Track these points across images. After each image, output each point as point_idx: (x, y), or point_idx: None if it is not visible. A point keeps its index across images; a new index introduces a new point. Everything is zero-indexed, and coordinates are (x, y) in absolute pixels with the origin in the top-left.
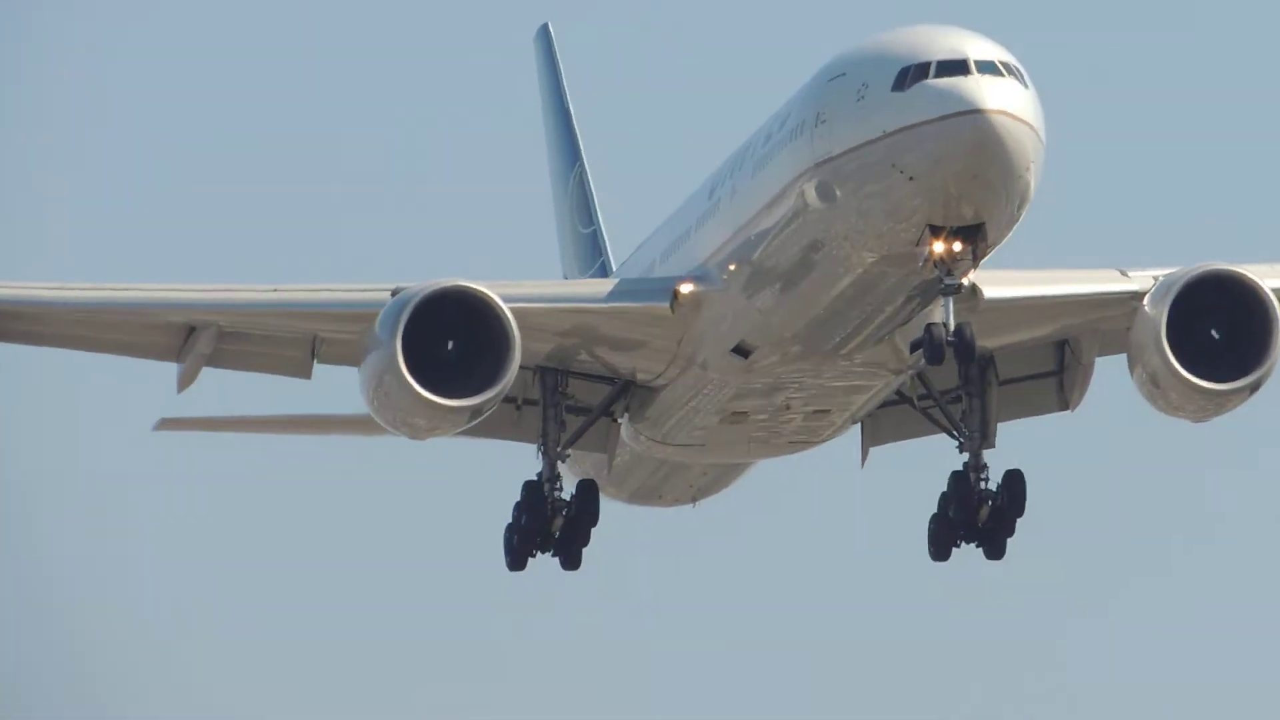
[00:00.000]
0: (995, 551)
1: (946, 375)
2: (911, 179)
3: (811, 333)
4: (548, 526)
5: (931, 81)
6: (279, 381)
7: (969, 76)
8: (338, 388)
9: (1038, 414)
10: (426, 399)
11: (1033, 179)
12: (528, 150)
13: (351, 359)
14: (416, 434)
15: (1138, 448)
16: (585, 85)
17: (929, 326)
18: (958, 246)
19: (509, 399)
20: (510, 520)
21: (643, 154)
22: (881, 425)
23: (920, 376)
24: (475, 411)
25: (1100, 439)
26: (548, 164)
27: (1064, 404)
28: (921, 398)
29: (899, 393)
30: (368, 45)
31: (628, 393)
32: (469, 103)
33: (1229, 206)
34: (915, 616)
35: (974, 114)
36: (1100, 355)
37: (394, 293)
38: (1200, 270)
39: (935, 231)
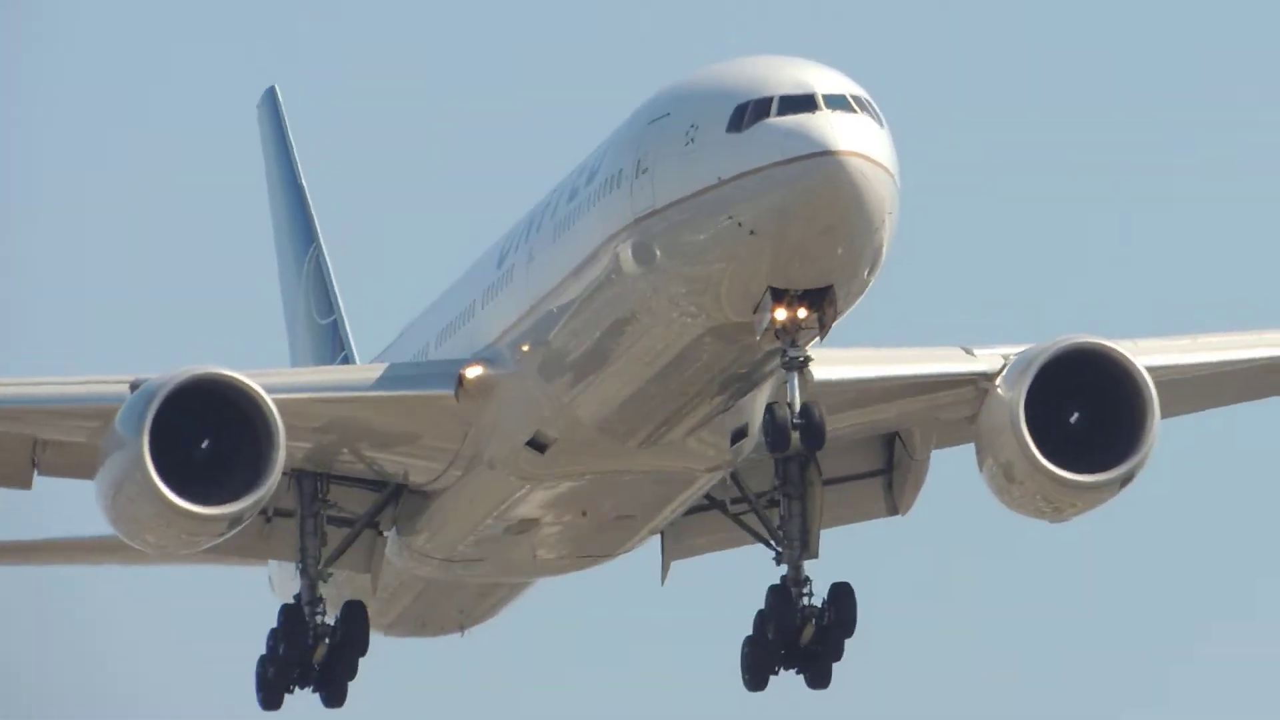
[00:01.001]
0: (819, 679)
1: (761, 476)
2: (752, 233)
3: (622, 421)
4: (309, 656)
5: (774, 120)
6: None
7: (817, 113)
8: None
9: (864, 519)
10: (179, 507)
11: (888, 234)
12: (252, 232)
13: (77, 468)
14: (166, 549)
15: (981, 554)
16: (319, 155)
17: (771, 407)
18: (802, 313)
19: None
20: (265, 651)
21: (390, 232)
22: (685, 534)
23: (734, 476)
24: (234, 520)
25: (937, 545)
26: (275, 246)
27: (893, 508)
28: (734, 501)
29: (707, 496)
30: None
31: (397, 499)
32: (179, 177)
33: (1078, 281)
34: None
35: (824, 156)
36: (937, 448)
37: (133, 386)
38: (1062, 345)
39: (778, 296)
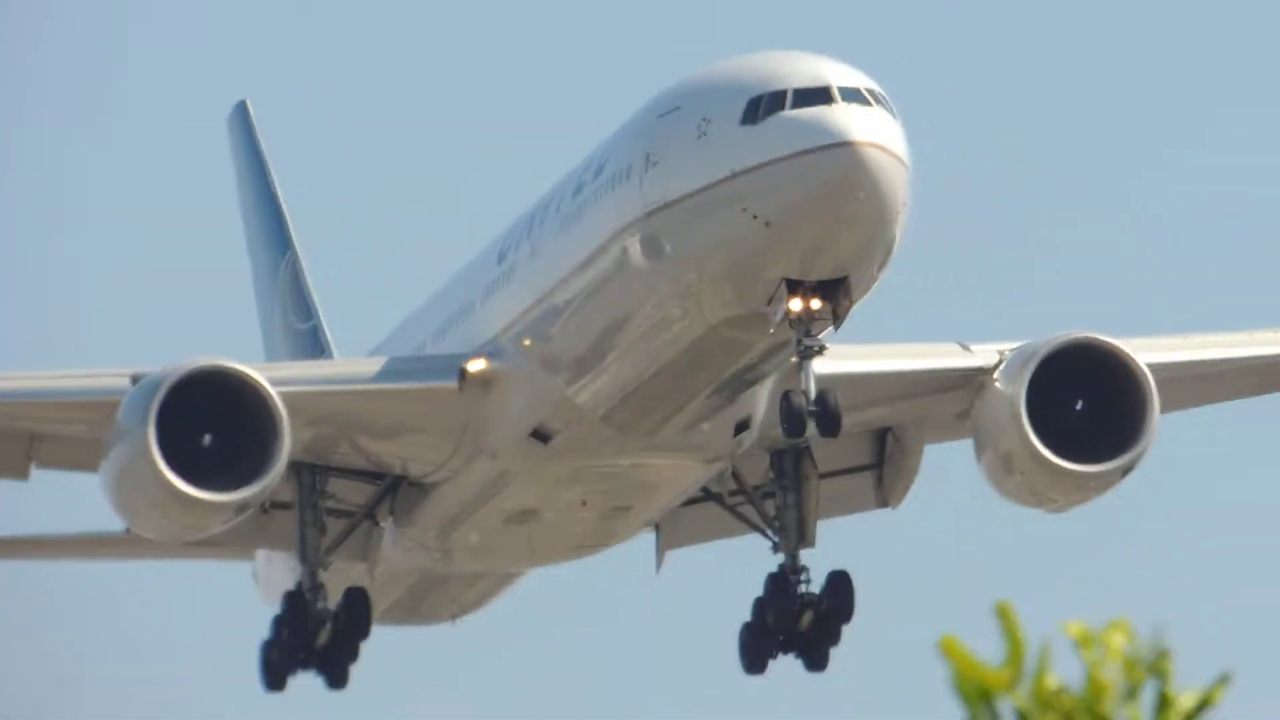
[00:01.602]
0: (817, 663)
1: (756, 468)
2: (767, 225)
3: (626, 413)
4: (312, 640)
5: (789, 112)
6: None
7: (833, 105)
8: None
9: (854, 512)
10: (186, 494)
11: (901, 226)
12: (222, 239)
13: (74, 460)
14: (172, 536)
15: (973, 545)
16: (293, 164)
17: (787, 394)
18: (816, 304)
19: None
20: (268, 636)
21: (367, 239)
22: (682, 525)
23: (734, 470)
24: (240, 507)
25: (929, 535)
26: (249, 254)
27: (883, 501)
28: (732, 494)
29: (704, 489)
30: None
31: (395, 492)
32: (153, 181)
33: (1069, 278)
34: None
35: (841, 147)
36: (930, 443)
37: (134, 379)
38: (1062, 339)
39: (793, 287)
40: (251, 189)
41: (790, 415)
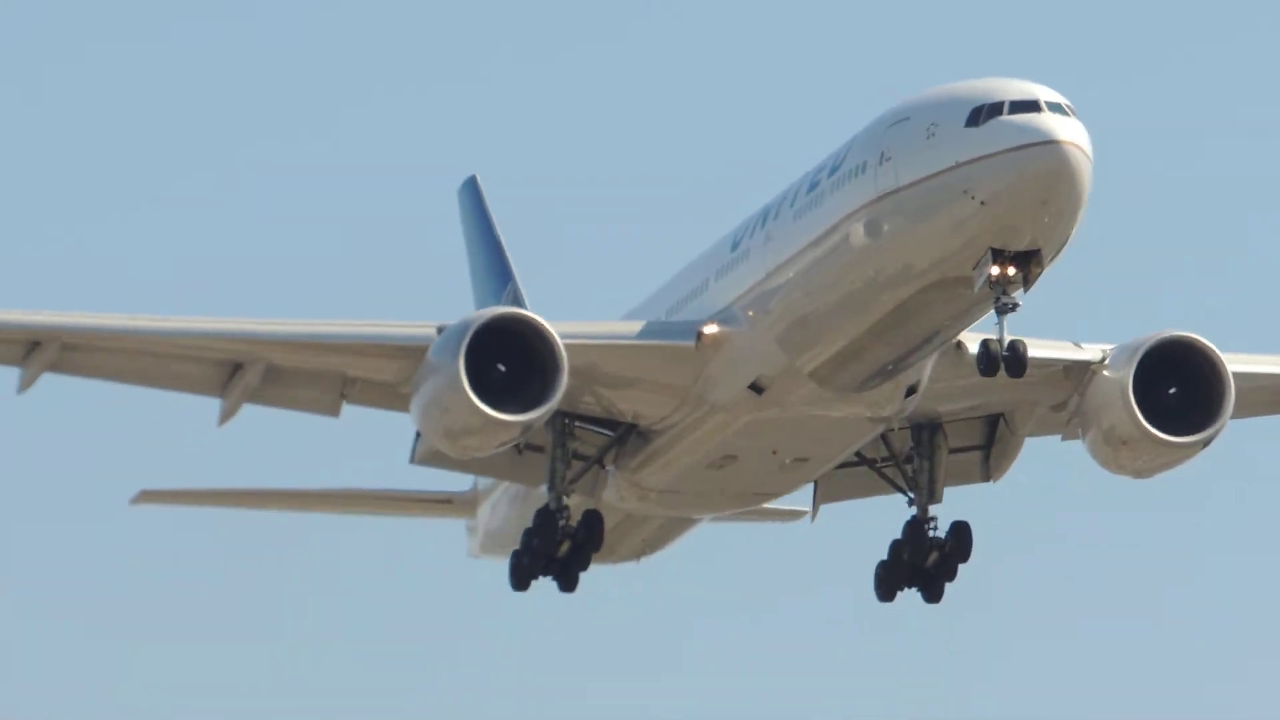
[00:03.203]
0: (935, 595)
1: (900, 441)
2: (983, 204)
3: (831, 368)
4: (555, 551)
5: (1006, 117)
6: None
7: (1042, 113)
8: (317, 466)
9: (964, 483)
10: (486, 413)
11: (1082, 214)
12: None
13: (377, 400)
14: (471, 450)
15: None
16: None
17: (985, 342)
18: (1012, 271)
19: (514, 445)
20: (518, 547)
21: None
22: (835, 484)
23: (885, 439)
24: (526, 426)
25: (1025, 505)
26: (473, 291)
27: (987, 476)
28: (882, 460)
29: (857, 454)
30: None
31: (624, 440)
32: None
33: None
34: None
35: (1051, 144)
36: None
37: (439, 329)
38: (1163, 336)
39: (996, 255)
40: (479, 244)
41: (987, 358)
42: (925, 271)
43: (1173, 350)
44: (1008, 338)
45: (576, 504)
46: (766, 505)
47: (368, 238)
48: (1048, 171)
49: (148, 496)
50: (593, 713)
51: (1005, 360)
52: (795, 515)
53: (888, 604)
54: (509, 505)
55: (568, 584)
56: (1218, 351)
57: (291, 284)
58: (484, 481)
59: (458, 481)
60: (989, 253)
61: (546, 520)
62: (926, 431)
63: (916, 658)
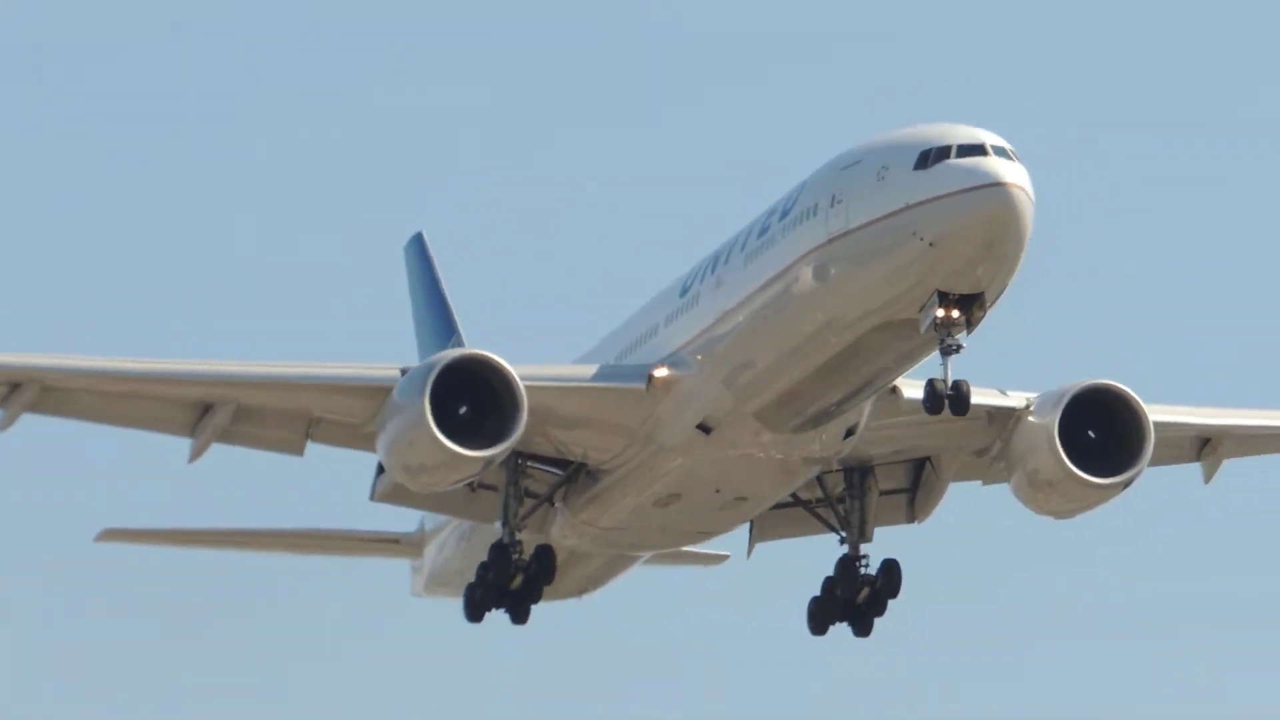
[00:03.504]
0: (864, 629)
1: (833, 483)
2: (931, 245)
3: (776, 410)
4: (508, 583)
5: (954, 160)
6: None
7: (988, 157)
8: (269, 506)
9: (890, 524)
10: (450, 449)
11: (1023, 258)
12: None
13: (340, 439)
14: (434, 484)
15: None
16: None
17: (931, 381)
18: (955, 314)
19: (468, 483)
20: (474, 579)
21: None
22: (770, 523)
23: (819, 480)
24: (488, 462)
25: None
26: (417, 342)
27: (912, 517)
28: (816, 501)
29: (793, 495)
30: None
31: (574, 479)
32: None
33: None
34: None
35: (997, 186)
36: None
37: (402, 370)
38: (1087, 384)
39: (943, 298)
40: (424, 302)
41: (932, 397)
42: (873, 313)
43: (1095, 397)
44: (951, 378)
45: (527, 540)
46: (692, 549)
47: (315, 290)
48: (993, 213)
49: (110, 535)
50: None
51: (949, 399)
52: (719, 559)
53: (819, 637)
54: (455, 544)
55: (519, 616)
56: (1138, 399)
57: (240, 335)
58: (430, 522)
59: (405, 523)
60: (935, 295)
61: (500, 554)
62: (858, 474)
63: (849, 689)
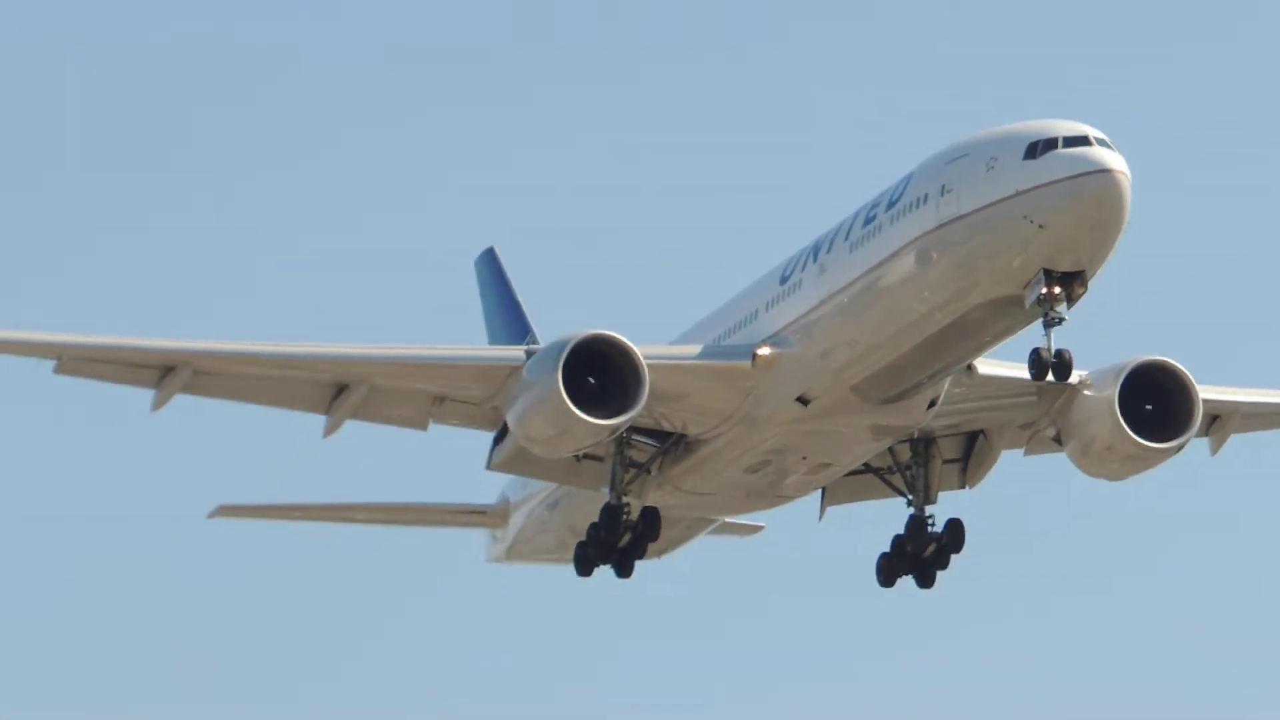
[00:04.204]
0: (927, 582)
1: (900, 452)
2: (1041, 228)
3: (871, 383)
4: (617, 541)
5: (1062, 150)
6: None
7: (1093, 147)
8: (393, 482)
9: (944, 490)
10: (581, 418)
11: (1120, 239)
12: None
13: (461, 416)
14: (561, 450)
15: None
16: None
17: (1036, 350)
18: (1058, 290)
19: (574, 455)
20: (584, 538)
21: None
22: (842, 489)
23: (891, 450)
24: (613, 430)
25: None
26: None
27: (964, 484)
28: (887, 469)
29: (865, 464)
30: None
31: (673, 449)
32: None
33: None
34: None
35: (1105, 172)
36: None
37: (527, 352)
38: (1142, 360)
39: (1048, 275)
40: (498, 310)
41: (1037, 363)
42: (980, 292)
43: (1148, 371)
44: (1054, 346)
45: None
46: (731, 520)
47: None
48: (1100, 196)
49: (225, 511)
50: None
51: (1053, 366)
52: (754, 529)
53: (888, 589)
54: (544, 514)
55: (624, 571)
56: (1187, 372)
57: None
58: (515, 494)
59: (487, 496)
60: (1041, 273)
61: (611, 515)
62: (922, 444)
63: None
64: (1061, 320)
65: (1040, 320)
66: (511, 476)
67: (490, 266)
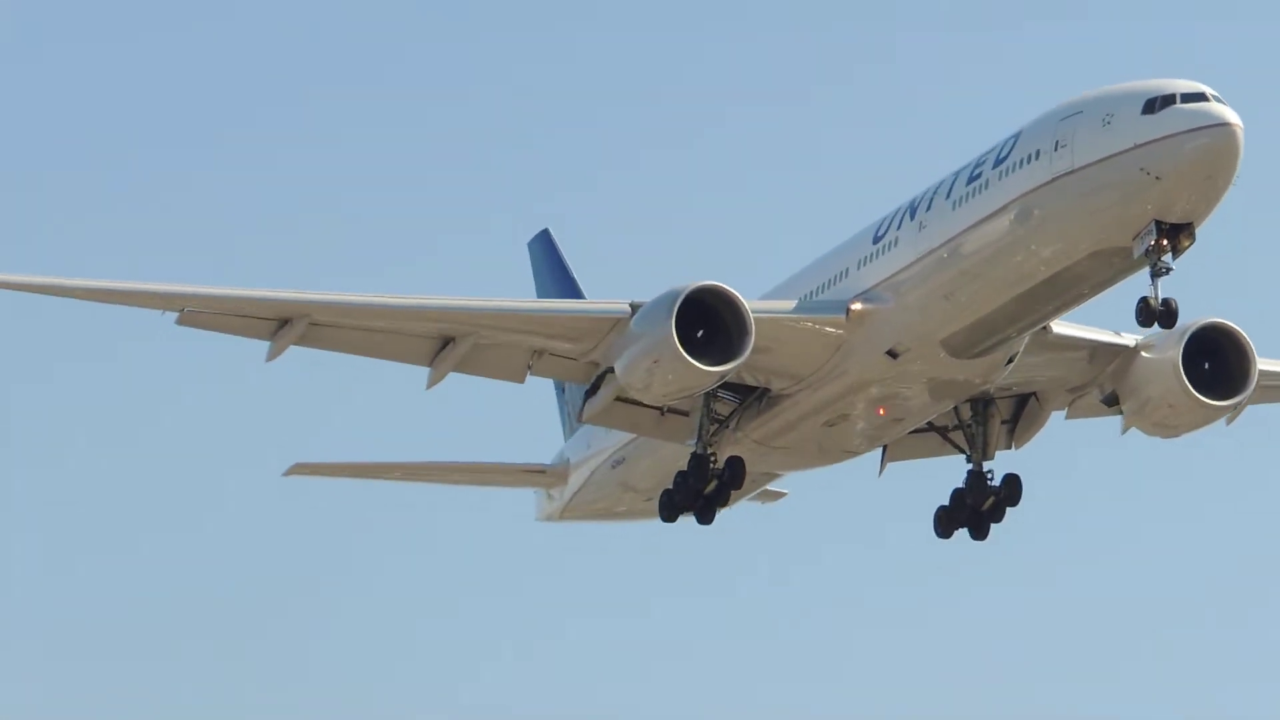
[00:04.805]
0: (982, 534)
1: (963, 412)
2: (1157, 179)
3: (962, 338)
4: (704, 487)
5: (1180, 105)
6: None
7: (1210, 103)
8: (461, 442)
9: (995, 449)
10: (694, 365)
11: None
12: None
13: (556, 369)
14: (670, 396)
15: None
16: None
17: (1145, 298)
18: (1166, 241)
19: (658, 407)
20: (672, 485)
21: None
22: (903, 446)
23: (956, 409)
24: (721, 376)
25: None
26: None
27: (1010, 444)
28: (950, 428)
29: (928, 423)
30: None
31: (755, 403)
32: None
33: None
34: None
35: (1223, 125)
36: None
37: (631, 306)
38: (1203, 322)
39: (1159, 226)
40: (551, 280)
41: (1146, 312)
42: (1090, 242)
43: (1206, 334)
44: (1161, 295)
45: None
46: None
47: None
48: (1219, 149)
49: (300, 469)
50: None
51: (1160, 314)
52: (778, 496)
53: (945, 540)
54: (606, 472)
55: (707, 518)
56: (1245, 335)
57: None
58: (575, 456)
59: (543, 455)
60: (1153, 224)
61: (699, 464)
62: (981, 404)
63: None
64: (1169, 270)
65: (1148, 270)
66: (572, 438)
67: (545, 247)
